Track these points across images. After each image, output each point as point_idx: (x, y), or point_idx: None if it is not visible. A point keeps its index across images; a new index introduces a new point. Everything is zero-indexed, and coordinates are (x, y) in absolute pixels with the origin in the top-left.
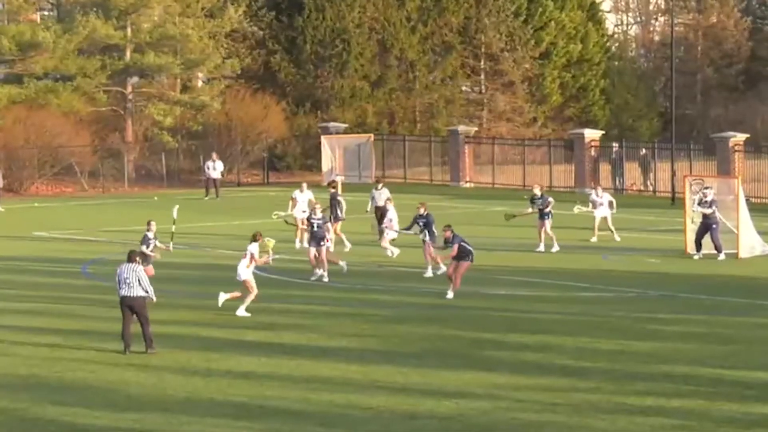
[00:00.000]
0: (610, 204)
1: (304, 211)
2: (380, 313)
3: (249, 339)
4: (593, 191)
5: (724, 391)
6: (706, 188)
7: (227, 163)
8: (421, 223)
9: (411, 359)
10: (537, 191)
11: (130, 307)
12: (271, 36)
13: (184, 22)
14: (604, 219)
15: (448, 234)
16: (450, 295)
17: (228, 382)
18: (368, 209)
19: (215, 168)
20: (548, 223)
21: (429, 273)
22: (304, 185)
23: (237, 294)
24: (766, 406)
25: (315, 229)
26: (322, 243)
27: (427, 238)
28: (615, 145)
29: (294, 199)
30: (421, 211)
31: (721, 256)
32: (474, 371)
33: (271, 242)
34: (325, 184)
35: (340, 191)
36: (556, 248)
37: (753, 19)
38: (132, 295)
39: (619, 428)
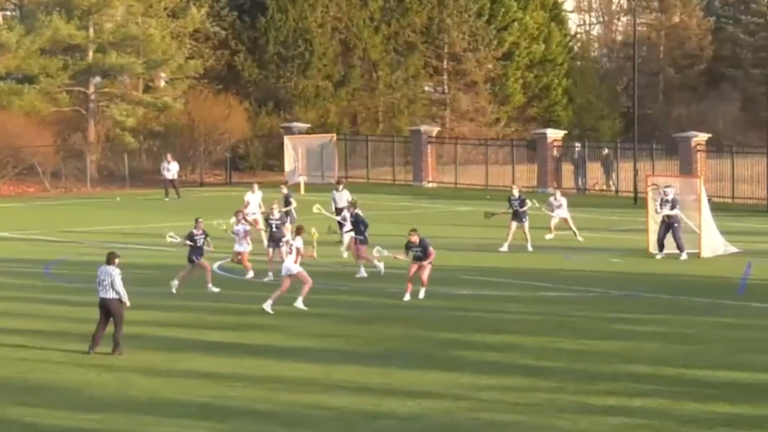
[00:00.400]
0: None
1: (254, 213)
2: (343, 314)
3: (212, 339)
4: (552, 195)
5: (687, 391)
6: (667, 187)
7: (189, 163)
8: (355, 224)
9: (374, 359)
10: (515, 192)
11: (106, 309)
12: (234, 36)
13: (147, 22)
14: (565, 220)
15: (415, 238)
16: (422, 294)
17: (191, 383)
18: (331, 210)
19: (170, 169)
20: (526, 224)
21: (362, 273)
22: (255, 186)
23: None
24: (729, 406)
25: (273, 230)
26: (280, 243)
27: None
28: (577, 145)
29: (246, 202)
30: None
31: (684, 256)
32: (437, 371)
33: (315, 234)
34: (288, 183)
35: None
36: (530, 248)
37: (715, 19)
38: (107, 297)
39: (581, 428)
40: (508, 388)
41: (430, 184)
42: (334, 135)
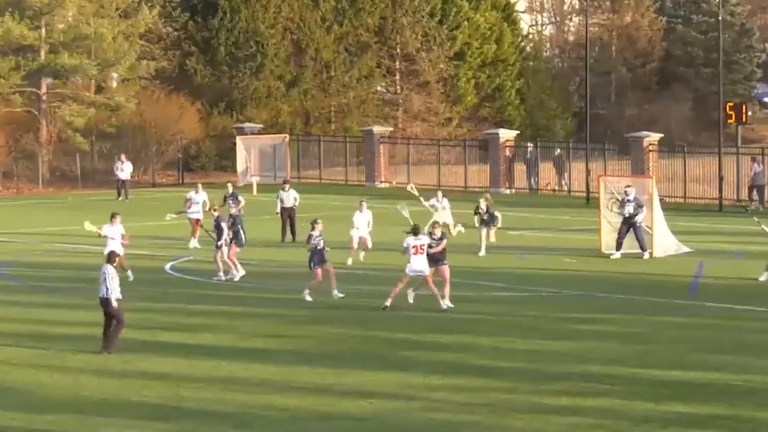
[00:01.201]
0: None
1: (197, 212)
2: (297, 314)
3: (165, 340)
4: (434, 198)
5: (640, 390)
6: (627, 187)
7: (142, 163)
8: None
9: (327, 360)
10: (483, 205)
11: (103, 307)
12: (186, 37)
13: (99, 23)
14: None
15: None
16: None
17: (144, 383)
18: (277, 211)
19: (123, 169)
20: (493, 230)
21: (221, 276)
22: (199, 186)
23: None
24: (682, 405)
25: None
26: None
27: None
28: (530, 145)
29: (189, 200)
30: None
31: (646, 255)
32: (390, 372)
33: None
34: (240, 184)
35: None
36: (482, 253)
37: (667, 18)
38: (104, 296)
39: (535, 428)
40: (462, 388)
41: (383, 185)
42: (287, 135)
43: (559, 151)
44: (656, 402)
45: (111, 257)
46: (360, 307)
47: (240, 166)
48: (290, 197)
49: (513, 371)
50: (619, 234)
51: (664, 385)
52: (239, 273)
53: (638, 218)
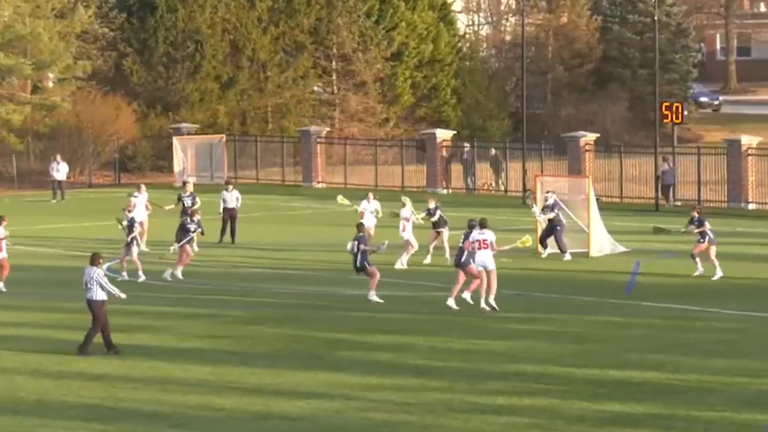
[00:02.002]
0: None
1: (141, 213)
2: (233, 314)
3: (100, 341)
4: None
5: (576, 390)
6: (548, 192)
7: (78, 164)
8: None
9: (264, 360)
10: (432, 205)
11: (90, 310)
12: (123, 38)
13: (35, 23)
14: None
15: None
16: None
17: (80, 384)
18: (219, 210)
19: (59, 170)
20: (445, 233)
21: (172, 274)
22: (143, 186)
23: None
24: (618, 404)
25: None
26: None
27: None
28: (466, 145)
29: (133, 203)
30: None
31: (567, 257)
32: (327, 372)
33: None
34: (177, 185)
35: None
36: (428, 260)
37: (603, 18)
38: (93, 298)
39: (471, 427)
40: (398, 388)
41: (320, 185)
42: (223, 136)
43: (495, 151)
44: (592, 401)
45: (95, 260)
46: (296, 307)
47: (177, 166)
48: (233, 198)
49: (449, 371)
50: (541, 234)
51: (599, 385)
52: (141, 278)
53: (542, 218)
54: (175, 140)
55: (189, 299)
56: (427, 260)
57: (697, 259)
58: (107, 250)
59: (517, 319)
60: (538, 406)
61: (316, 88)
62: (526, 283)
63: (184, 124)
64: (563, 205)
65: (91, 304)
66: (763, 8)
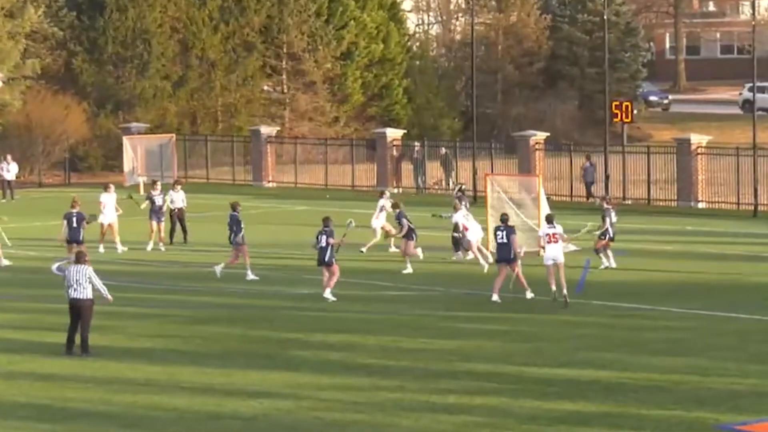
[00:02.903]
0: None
1: (110, 215)
2: (184, 314)
3: (51, 341)
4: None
5: (527, 389)
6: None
7: (28, 163)
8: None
9: (215, 360)
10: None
11: (77, 309)
12: (72, 37)
13: None
14: None
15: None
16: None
17: (30, 384)
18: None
19: (9, 170)
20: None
21: None
22: (111, 186)
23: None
24: (569, 403)
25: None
26: None
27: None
28: (416, 144)
29: (102, 203)
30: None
31: (469, 255)
32: (278, 371)
33: None
34: (127, 184)
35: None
36: (392, 248)
37: (552, 17)
38: (81, 297)
39: (422, 426)
40: (349, 387)
41: (270, 184)
42: (173, 135)
43: (445, 150)
44: (543, 400)
45: (81, 258)
46: (247, 306)
47: (127, 166)
48: (180, 198)
49: (400, 370)
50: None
51: (550, 383)
52: None
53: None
54: (125, 140)
55: (139, 299)
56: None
57: (601, 254)
58: (55, 251)
59: (467, 318)
60: (490, 405)
61: (266, 88)
62: (477, 283)
63: (134, 124)
64: (513, 204)
65: (79, 303)
66: (712, 8)
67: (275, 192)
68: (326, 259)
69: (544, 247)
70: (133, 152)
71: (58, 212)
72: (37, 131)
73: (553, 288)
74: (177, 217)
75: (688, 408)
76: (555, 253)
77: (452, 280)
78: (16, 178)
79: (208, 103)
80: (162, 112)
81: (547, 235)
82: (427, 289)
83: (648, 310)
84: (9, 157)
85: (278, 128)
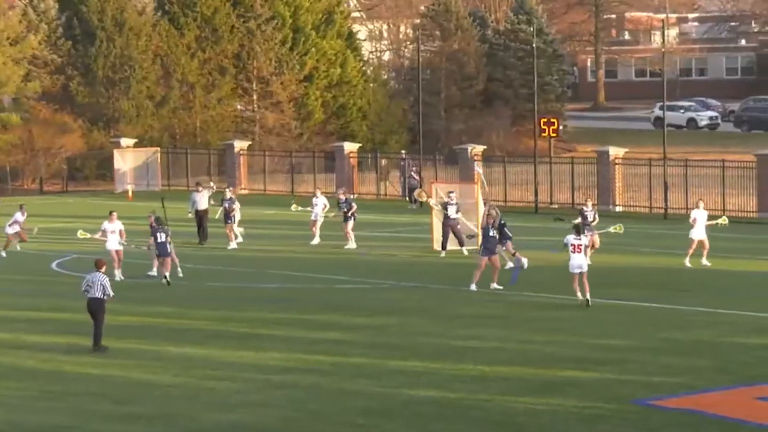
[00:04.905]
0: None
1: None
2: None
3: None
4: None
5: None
6: (450, 192)
7: (31, 174)
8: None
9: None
10: (342, 197)
11: (93, 307)
12: (69, 62)
13: None
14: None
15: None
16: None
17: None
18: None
19: None
20: (350, 224)
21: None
22: (114, 215)
23: None
24: (506, 370)
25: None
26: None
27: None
28: (403, 152)
29: (103, 231)
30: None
31: (465, 251)
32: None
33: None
34: (117, 191)
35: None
36: (353, 245)
37: (489, 45)
38: (96, 296)
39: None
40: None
41: (243, 191)
42: (158, 148)
43: (404, 160)
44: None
45: (100, 265)
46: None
47: (117, 175)
48: (203, 199)
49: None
50: (443, 236)
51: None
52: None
53: (454, 217)
54: (116, 152)
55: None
56: (350, 245)
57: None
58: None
59: (412, 308)
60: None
61: (238, 107)
62: (422, 276)
63: (122, 139)
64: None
65: (93, 303)
66: (627, 36)
67: (247, 199)
68: (168, 251)
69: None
70: (123, 164)
71: (57, 217)
72: (38, 145)
73: (579, 295)
74: (199, 217)
75: (607, 384)
76: (580, 261)
77: (401, 274)
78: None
79: (188, 120)
80: (147, 128)
81: (572, 245)
82: (380, 282)
83: (572, 300)
84: None
85: (250, 142)
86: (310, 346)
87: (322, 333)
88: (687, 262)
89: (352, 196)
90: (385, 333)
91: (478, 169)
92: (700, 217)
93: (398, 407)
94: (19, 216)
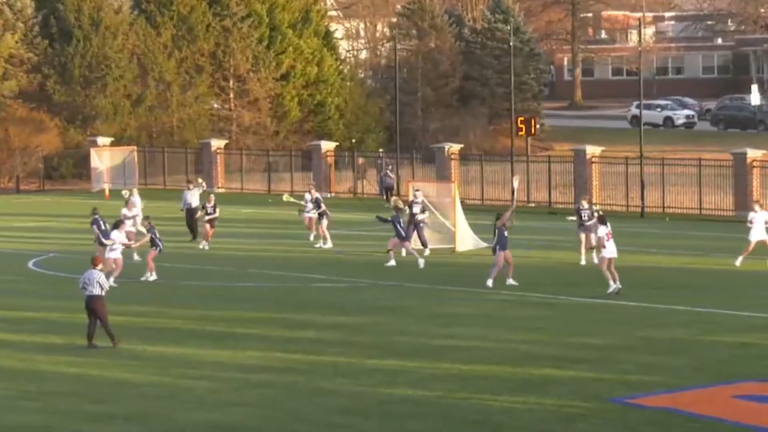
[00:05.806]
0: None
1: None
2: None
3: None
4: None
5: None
6: (416, 191)
7: (6, 172)
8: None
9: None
10: (314, 195)
11: (92, 306)
12: (45, 61)
13: None
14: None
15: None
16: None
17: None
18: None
19: None
20: (325, 222)
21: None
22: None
23: None
24: (484, 368)
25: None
26: None
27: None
28: (380, 150)
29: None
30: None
31: (427, 251)
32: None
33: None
34: (94, 190)
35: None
36: (329, 245)
37: (465, 44)
38: (94, 294)
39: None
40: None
41: (220, 189)
42: (134, 147)
43: (382, 159)
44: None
45: (96, 262)
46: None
47: (94, 174)
48: (194, 196)
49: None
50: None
51: (469, 361)
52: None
53: (421, 218)
54: (92, 151)
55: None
56: (328, 245)
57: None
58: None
59: (388, 306)
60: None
61: (215, 105)
62: (399, 275)
63: (99, 137)
64: (430, 205)
65: (92, 300)
66: (604, 35)
67: (224, 197)
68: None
69: (605, 246)
70: (100, 162)
71: (34, 215)
72: (15, 144)
73: (611, 282)
74: (189, 214)
75: (585, 382)
76: (614, 247)
77: (378, 273)
78: None
79: (165, 118)
80: (123, 127)
81: (607, 234)
82: (358, 281)
83: (551, 298)
84: None
85: (226, 141)
86: (287, 345)
87: (300, 332)
88: (737, 262)
89: (319, 195)
90: (363, 332)
91: (515, 183)
92: (759, 218)
93: (375, 406)
94: None
